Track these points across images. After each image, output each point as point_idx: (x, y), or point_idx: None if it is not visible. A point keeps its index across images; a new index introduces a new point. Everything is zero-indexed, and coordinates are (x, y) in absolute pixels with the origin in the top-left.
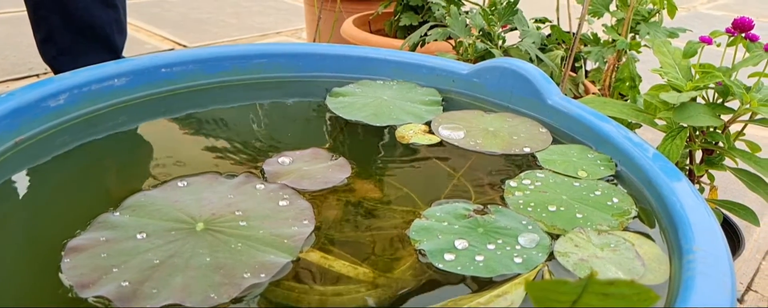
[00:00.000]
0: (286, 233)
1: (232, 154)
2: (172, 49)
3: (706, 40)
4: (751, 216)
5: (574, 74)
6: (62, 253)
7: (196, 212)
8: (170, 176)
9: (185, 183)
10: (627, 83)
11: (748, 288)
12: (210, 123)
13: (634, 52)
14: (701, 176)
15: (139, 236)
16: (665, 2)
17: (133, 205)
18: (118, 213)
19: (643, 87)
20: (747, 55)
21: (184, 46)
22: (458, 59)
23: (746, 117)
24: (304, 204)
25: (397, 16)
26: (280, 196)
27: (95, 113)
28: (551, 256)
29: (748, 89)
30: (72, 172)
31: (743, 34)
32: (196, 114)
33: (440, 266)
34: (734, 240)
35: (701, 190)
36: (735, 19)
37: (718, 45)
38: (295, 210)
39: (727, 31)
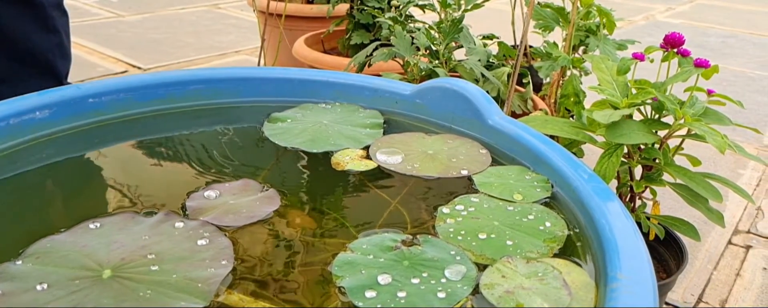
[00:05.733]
0: (201, 276)
1: (156, 189)
2: (125, 72)
3: (639, 57)
4: (691, 232)
5: (522, 90)
6: None
7: (105, 258)
8: (84, 217)
9: (97, 225)
10: (571, 99)
11: (699, 300)
12: (138, 156)
13: (585, 64)
14: (641, 192)
15: (39, 287)
16: (605, 18)
17: (38, 252)
18: (20, 262)
19: (592, 102)
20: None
21: (139, 68)
22: (404, 79)
23: (684, 132)
24: (224, 243)
25: (349, 35)
26: (200, 234)
27: (16, 148)
28: (477, 289)
29: (682, 103)
30: None
31: (675, 50)
32: (124, 146)
33: (360, 304)
34: (678, 255)
35: (644, 206)
36: (666, 35)
37: (652, 61)
38: (215, 250)
39: (661, 46)
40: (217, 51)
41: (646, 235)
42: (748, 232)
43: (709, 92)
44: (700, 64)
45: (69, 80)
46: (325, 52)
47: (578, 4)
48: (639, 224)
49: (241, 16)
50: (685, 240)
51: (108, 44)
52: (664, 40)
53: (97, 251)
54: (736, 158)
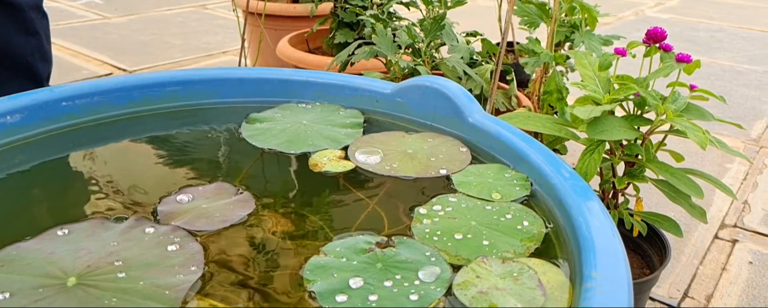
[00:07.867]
0: (170, 282)
1: (128, 193)
2: (110, 74)
3: (621, 52)
4: (674, 228)
5: (506, 87)
6: None
7: (70, 265)
8: (54, 223)
9: (66, 231)
10: (554, 95)
11: (685, 295)
12: (112, 159)
13: (570, 61)
14: (624, 188)
15: (1, 296)
16: (587, 14)
17: (3, 260)
18: None
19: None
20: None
21: (124, 70)
22: (387, 78)
23: (666, 127)
24: (195, 248)
25: (333, 34)
26: (171, 240)
27: None
28: (450, 290)
29: (664, 99)
30: None
31: (657, 45)
32: (98, 150)
33: None
34: (662, 251)
35: (626, 202)
36: (648, 30)
37: (634, 56)
38: (185, 256)
39: (644, 41)
40: (204, 52)
41: (630, 231)
42: (735, 226)
43: (692, 88)
44: (682, 59)
45: (51, 83)
46: (309, 51)
47: (560, 0)
48: (622, 221)
49: (228, 16)
50: (670, 235)
51: (93, 46)
52: (646, 35)
53: (63, 258)
54: (724, 152)
